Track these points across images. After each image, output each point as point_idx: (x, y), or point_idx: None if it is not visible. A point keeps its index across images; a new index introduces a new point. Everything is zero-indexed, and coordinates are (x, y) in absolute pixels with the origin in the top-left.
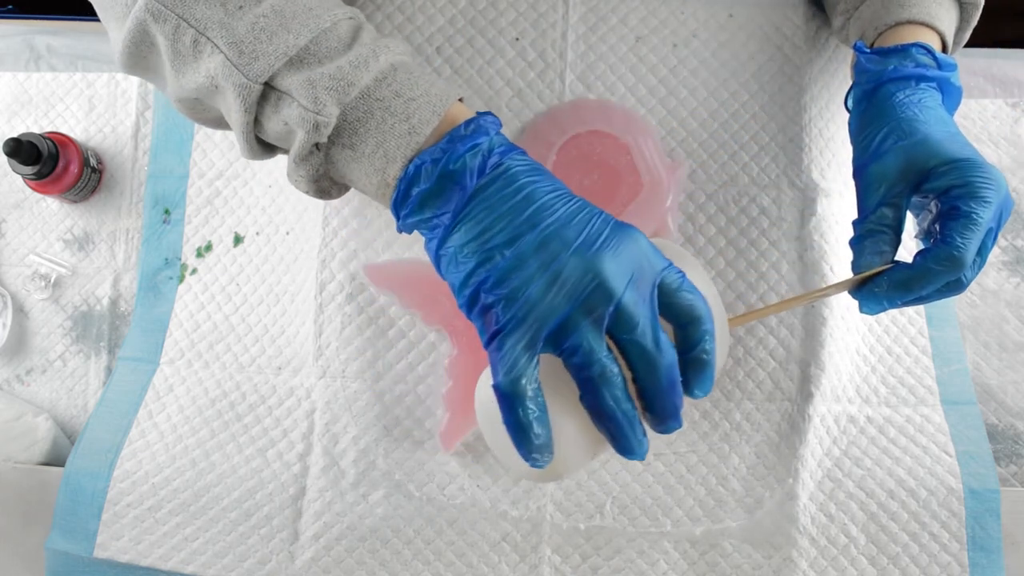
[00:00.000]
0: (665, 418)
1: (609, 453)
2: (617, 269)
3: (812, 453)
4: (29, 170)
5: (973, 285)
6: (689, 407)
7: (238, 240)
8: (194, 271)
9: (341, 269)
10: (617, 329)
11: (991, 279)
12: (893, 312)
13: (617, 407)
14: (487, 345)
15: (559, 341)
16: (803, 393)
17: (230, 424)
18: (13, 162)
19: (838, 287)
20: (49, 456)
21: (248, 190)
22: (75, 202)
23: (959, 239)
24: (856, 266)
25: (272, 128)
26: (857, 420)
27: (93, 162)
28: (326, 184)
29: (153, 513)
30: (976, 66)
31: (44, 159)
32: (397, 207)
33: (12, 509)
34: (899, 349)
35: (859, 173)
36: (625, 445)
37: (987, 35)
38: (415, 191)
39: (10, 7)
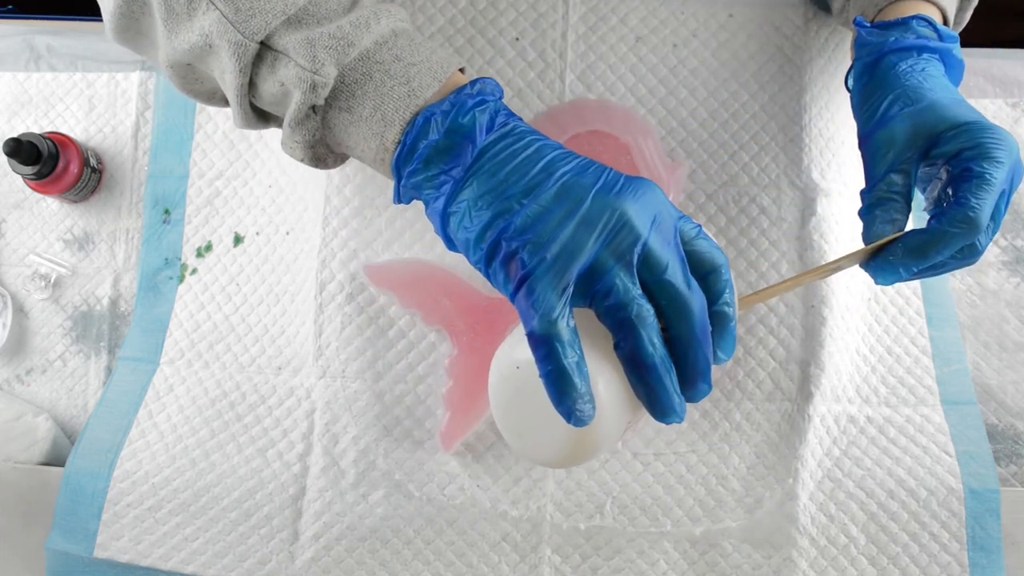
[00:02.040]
0: (696, 377)
1: (610, 453)
2: (641, 211)
3: (812, 453)
4: (29, 170)
5: (973, 285)
6: (689, 407)
7: (238, 240)
8: (194, 271)
9: (341, 269)
10: (646, 270)
11: (991, 279)
12: (893, 312)
13: (655, 352)
14: (514, 295)
15: (590, 283)
16: (803, 393)
17: (230, 424)
18: (13, 162)
19: (850, 259)
20: (49, 456)
21: (248, 190)
22: (75, 202)
23: (974, 200)
24: (867, 236)
25: (267, 90)
26: (857, 420)
27: (93, 162)
28: (322, 151)
29: (153, 513)
30: (976, 66)
31: (44, 159)
32: (400, 165)
33: (12, 509)
34: (899, 349)
35: (865, 141)
36: (664, 400)
37: (987, 35)
38: (422, 144)
39: (10, 7)
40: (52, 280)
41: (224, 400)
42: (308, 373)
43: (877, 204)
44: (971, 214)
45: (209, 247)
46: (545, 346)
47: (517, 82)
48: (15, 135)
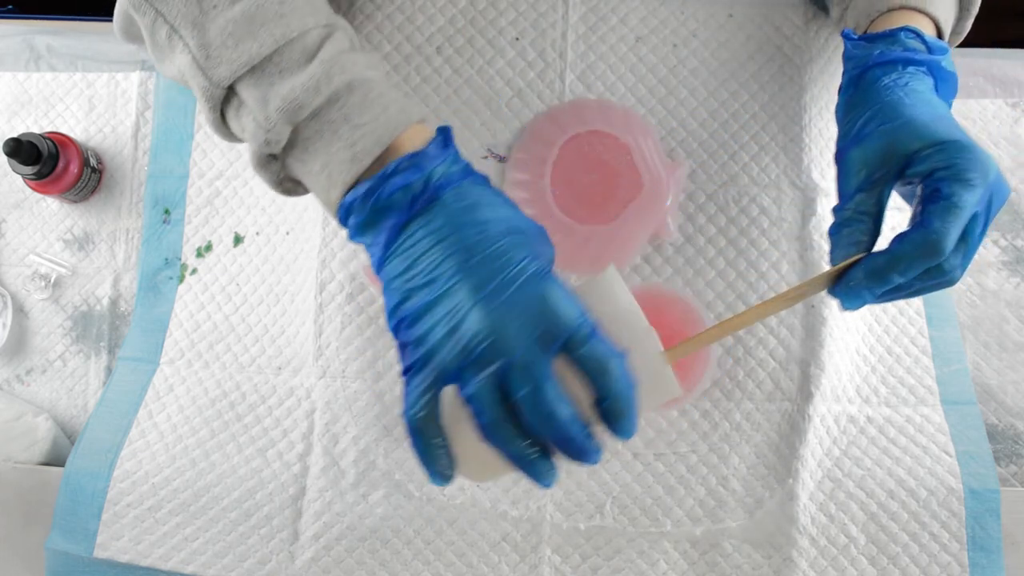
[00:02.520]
0: (576, 459)
1: (610, 454)
2: (516, 326)
3: (812, 453)
4: (29, 170)
5: (973, 285)
6: (689, 407)
7: (238, 240)
8: (194, 271)
9: (341, 269)
10: (509, 386)
11: (991, 279)
12: (893, 312)
13: (508, 451)
14: (402, 375)
15: (460, 385)
16: (803, 393)
17: (230, 424)
18: (13, 162)
19: (814, 284)
20: (49, 456)
21: (248, 190)
22: (75, 202)
23: (937, 222)
24: (833, 258)
25: (235, 128)
26: (857, 420)
27: (93, 162)
28: (289, 186)
29: (153, 513)
30: (976, 66)
31: (44, 159)
32: (343, 223)
33: (12, 509)
34: (899, 349)
35: (839, 158)
36: (531, 476)
37: (987, 35)
38: (351, 220)
39: (10, 7)
40: (52, 280)
41: (224, 400)
42: (308, 373)
43: (844, 224)
44: (932, 237)
45: (209, 247)
46: (410, 432)
47: (517, 82)
48: (15, 135)
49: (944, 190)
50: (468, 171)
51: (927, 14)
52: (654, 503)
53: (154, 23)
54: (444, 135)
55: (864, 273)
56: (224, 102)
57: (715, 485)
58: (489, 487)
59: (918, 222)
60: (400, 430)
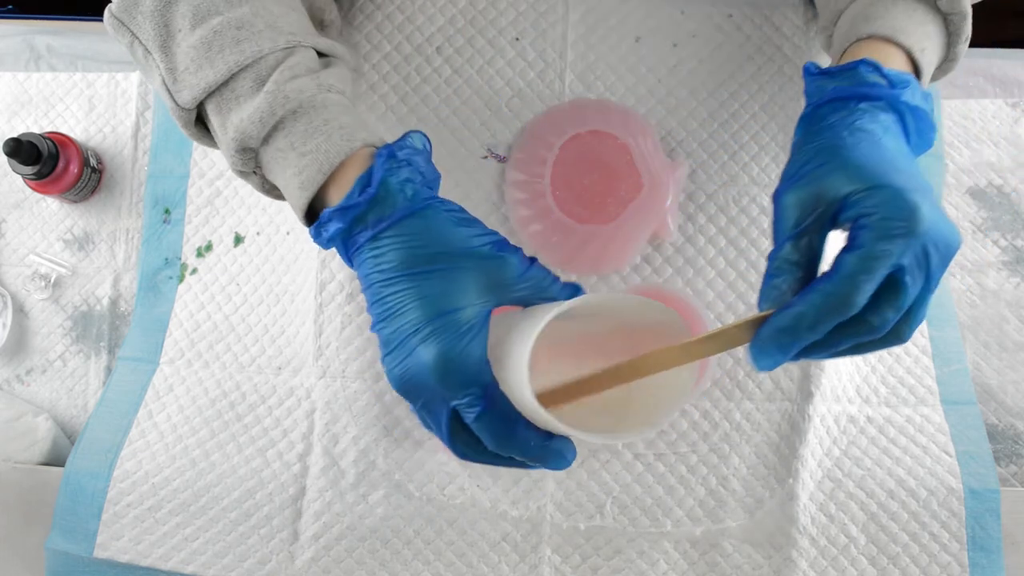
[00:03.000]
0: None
1: (610, 454)
2: (406, 390)
3: (812, 453)
4: (29, 170)
5: (973, 285)
6: (689, 407)
7: (238, 240)
8: (194, 271)
9: (341, 269)
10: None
11: (991, 279)
12: None
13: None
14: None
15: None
16: (803, 393)
17: (230, 424)
18: (13, 162)
19: (729, 337)
20: (49, 456)
21: (248, 190)
22: (75, 202)
23: (844, 272)
24: (760, 308)
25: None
26: (857, 420)
27: (93, 162)
28: (277, 193)
29: (153, 513)
30: (976, 66)
31: (44, 159)
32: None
33: (12, 509)
34: (899, 349)
35: (775, 202)
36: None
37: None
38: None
39: (10, 7)
40: (52, 280)
41: (224, 400)
42: (308, 373)
43: (772, 275)
44: (839, 289)
45: (209, 247)
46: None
47: (517, 82)
48: (15, 135)
49: (859, 238)
50: (379, 218)
51: (897, 43)
52: (654, 503)
53: (131, 44)
54: (382, 158)
55: (771, 330)
56: (197, 120)
57: (715, 485)
58: (489, 487)
59: (826, 272)
60: (400, 430)
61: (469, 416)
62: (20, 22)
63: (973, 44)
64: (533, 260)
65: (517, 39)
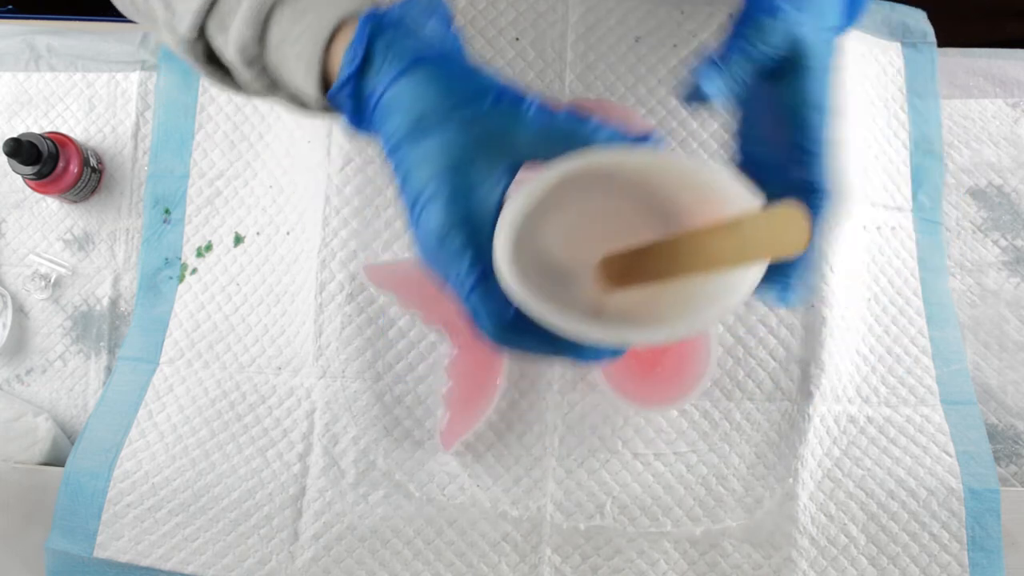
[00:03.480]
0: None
1: (610, 454)
2: (424, 263)
3: (812, 453)
4: (29, 170)
5: (973, 285)
6: (689, 407)
7: (238, 240)
8: (194, 271)
9: (341, 269)
10: None
11: (991, 279)
12: (893, 312)
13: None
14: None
15: None
16: (803, 393)
17: (230, 424)
18: (13, 162)
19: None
20: (49, 456)
21: (249, 190)
22: (75, 202)
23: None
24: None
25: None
26: (857, 420)
27: (93, 162)
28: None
29: (153, 513)
30: (976, 66)
31: (44, 159)
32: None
33: (12, 509)
34: (899, 349)
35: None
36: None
37: (987, 35)
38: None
39: (10, 7)
40: (52, 280)
41: (224, 400)
42: (308, 373)
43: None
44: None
45: (209, 247)
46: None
47: (516, 82)
48: (15, 135)
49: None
50: (372, 89)
51: None
52: (654, 503)
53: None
54: (362, 24)
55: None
56: (207, 54)
57: (715, 485)
58: (489, 486)
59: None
60: (400, 430)
61: (462, 291)
62: (20, 22)
63: (973, 44)
64: (562, 108)
65: (517, 39)
